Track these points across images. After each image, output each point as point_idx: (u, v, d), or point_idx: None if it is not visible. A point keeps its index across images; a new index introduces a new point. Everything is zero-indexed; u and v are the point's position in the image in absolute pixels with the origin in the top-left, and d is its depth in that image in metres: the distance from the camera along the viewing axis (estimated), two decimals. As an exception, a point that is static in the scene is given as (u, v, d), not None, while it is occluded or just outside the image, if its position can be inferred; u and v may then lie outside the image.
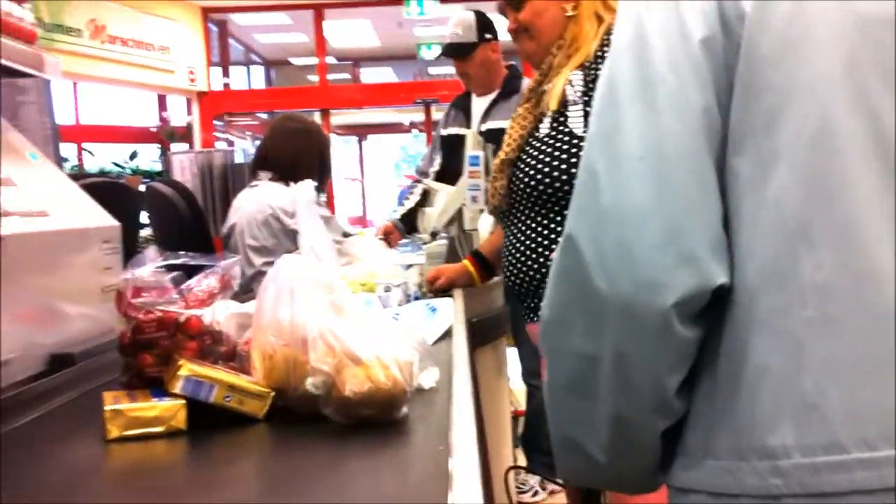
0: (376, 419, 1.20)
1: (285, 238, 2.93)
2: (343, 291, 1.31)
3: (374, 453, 1.14)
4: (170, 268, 1.35)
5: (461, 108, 3.95)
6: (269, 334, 1.24)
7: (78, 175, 3.45)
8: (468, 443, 1.05)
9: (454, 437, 1.08)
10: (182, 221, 3.17)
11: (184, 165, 4.51)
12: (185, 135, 11.36)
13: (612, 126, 0.93)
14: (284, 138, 3.24)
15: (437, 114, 15.57)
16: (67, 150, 10.96)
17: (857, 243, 0.85)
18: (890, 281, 0.84)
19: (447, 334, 1.88)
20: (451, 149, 3.69)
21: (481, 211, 2.95)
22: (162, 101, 12.02)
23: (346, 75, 16.56)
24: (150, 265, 1.34)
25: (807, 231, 0.86)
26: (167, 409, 1.19)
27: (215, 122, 12.00)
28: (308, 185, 1.38)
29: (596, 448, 0.99)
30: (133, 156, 11.18)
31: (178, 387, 1.20)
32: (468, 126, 3.76)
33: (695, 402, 0.95)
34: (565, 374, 0.99)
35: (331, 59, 14.11)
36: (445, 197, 3.26)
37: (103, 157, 11.26)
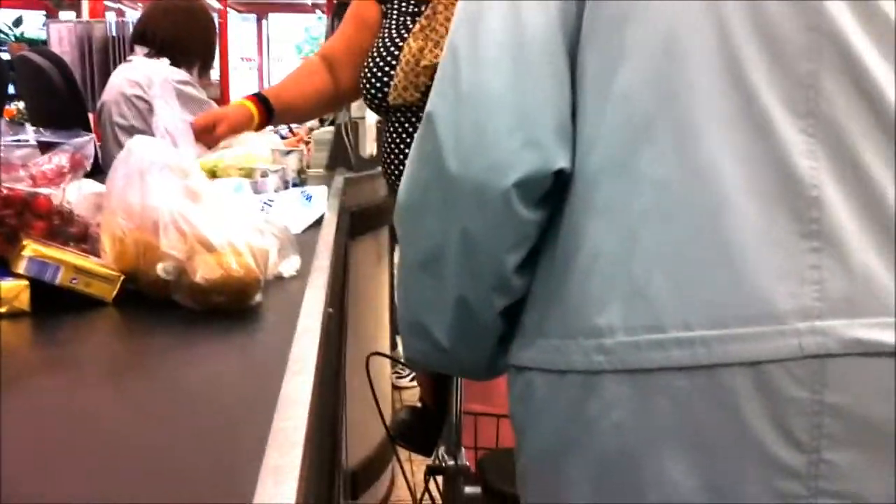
0: (228, 306, 1.20)
1: (152, 117, 2.83)
2: (198, 176, 1.28)
3: (221, 339, 1.14)
4: (19, 144, 1.30)
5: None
6: (118, 217, 1.21)
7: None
8: (312, 331, 1.06)
9: (300, 325, 1.09)
10: (57, 95, 3.03)
11: (62, 36, 4.27)
12: (73, 4, 10.75)
13: (476, 13, 0.96)
14: (165, 14, 3.09)
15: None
16: (-55, 11, 10.29)
17: (695, 142, 0.89)
18: (721, 179, 0.88)
19: (319, 224, 1.87)
20: None
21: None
22: (50, -36, 11.30)
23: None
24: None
25: (649, 126, 0.90)
26: (9, 290, 1.15)
27: (107, -9, 11.37)
28: (163, 63, 1.32)
29: (441, 331, 1.04)
30: (18, 22, 10.55)
31: (21, 267, 1.17)
32: None
33: (533, 285, 1.00)
34: (418, 254, 1.03)
35: (233, -69, 13.46)
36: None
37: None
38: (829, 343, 0.86)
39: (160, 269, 1.19)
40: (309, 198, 2.06)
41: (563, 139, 0.93)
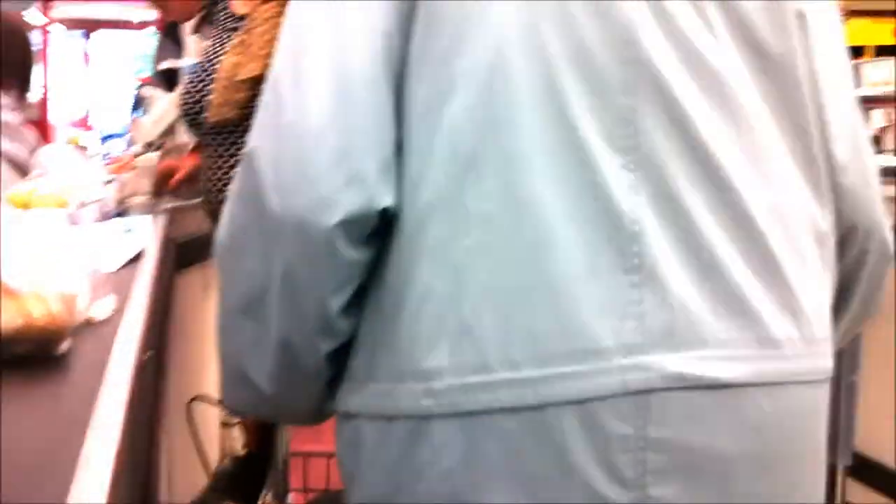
0: (32, 356, 1.10)
1: None
2: (5, 208, 1.18)
3: (19, 394, 1.04)
4: None
5: (171, 38, 3.68)
6: None
7: None
8: (121, 382, 0.99)
9: (109, 376, 1.02)
10: None
11: None
12: None
13: (299, 45, 0.93)
14: None
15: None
16: None
17: (519, 176, 0.88)
18: (545, 213, 0.87)
19: (139, 258, 1.78)
20: (171, 83, 3.43)
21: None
22: None
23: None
24: None
25: (475, 160, 0.88)
26: None
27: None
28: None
29: (263, 377, 1.00)
30: None
31: None
32: (180, 57, 3.52)
33: (361, 327, 0.97)
34: (237, 297, 0.99)
35: (57, -57, 12.86)
36: (162, 105, 3.08)
37: None
38: (651, 378, 0.86)
39: (-48, 316, 1.08)
40: (129, 231, 1.96)
41: (387, 176, 0.90)
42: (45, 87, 11.27)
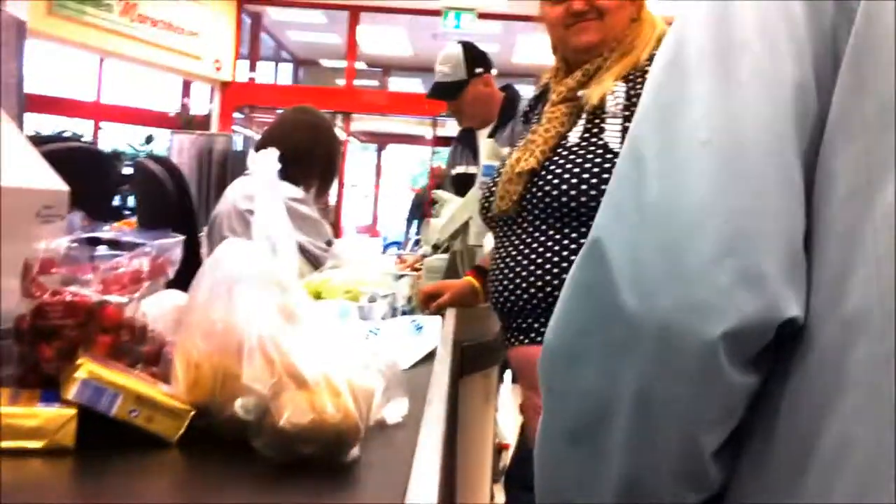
0: (318, 460, 0.94)
1: None
2: (298, 293, 1.05)
3: (305, 505, 0.88)
4: (94, 241, 1.11)
5: (466, 144, 3.71)
6: (196, 337, 0.99)
7: (44, 138, 3.22)
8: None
9: (410, 494, 0.83)
10: (168, 203, 2.91)
11: (183, 146, 4.26)
12: (202, 123, 11.18)
13: (672, 100, 0.71)
14: (292, 129, 2.99)
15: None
16: (84, 127, 10.80)
17: None
18: None
19: (429, 358, 1.63)
20: (463, 187, 3.43)
21: (491, 226, 2.71)
22: (186, 87, 11.85)
23: (375, 82, 16.40)
24: (71, 235, 1.09)
25: None
26: (52, 419, 0.93)
27: (235, 114, 11.84)
28: (267, 155, 1.13)
29: None
30: (149, 140, 11.02)
31: (72, 392, 0.94)
32: (476, 162, 3.52)
33: (739, 477, 0.72)
34: (569, 419, 0.76)
35: (360, 65, 13.92)
36: (453, 208, 3.01)
37: (120, 138, 11.09)
38: None
39: (239, 405, 0.95)
40: (420, 328, 1.83)
41: (794, 276, 0.66)
42: (340, 192, 12.05)
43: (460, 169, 3.68)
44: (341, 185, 12.32)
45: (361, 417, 0.96)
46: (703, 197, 0.66)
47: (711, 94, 0.69)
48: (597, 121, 1.87)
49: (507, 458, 3.66)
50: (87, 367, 0.95)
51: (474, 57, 3.58)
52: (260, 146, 3.05)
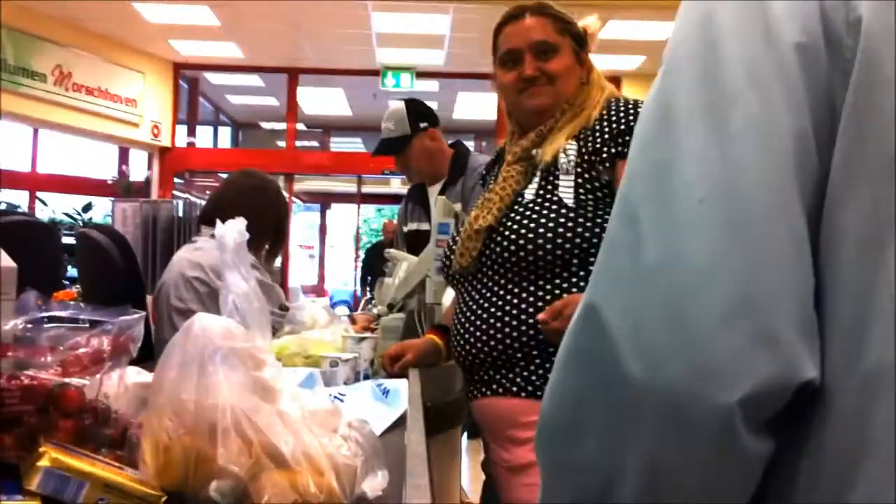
0: (300, 541, 0.90)
1: (213, 304, 2.60)
2: (274, 367, 1.01)
3: None
4: (51, 320, 1.05)
5: (417, 201, 3.72)
6: (166, 418, 0.94)
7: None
8: None
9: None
10: (115, 273, 2.83)
11: (126, 215, 4.18)
12: (141, 190, 11.03)
13: (663, 158, 0.67)
14: (238, 193, 2.93)
15: (405, 188, 15.45)
16: (20, 197, 10.58)
17: None
18: None
19: (399, 423, 1.58)
20: (416, 244, 3.42)
21: (446, 284, 2.68)
22: (123, 154, 11.70)
23: (315, 143, 16.40)
24: (26, 316, 1.03)
25: None
26: (14, 514, 0.87)
27: (176, 179, 11.70)
28: (235, 225, 1.09)
29: None
30: (87, 207, 10.81)
31: (35, 482, 0.89)
32: (428, 220, 3.51)
33: None
34: (570, 493, 0.71)
35: (300, 126, 13.92)
36: (407, 267, 2.98)
37: (57, 208, 10.87)
38: None
39: (214, 489, 0.90)
40: (386, 392, 1.79)
41: (808, 335, 0.63)
42: (285, 254, 11.96)
43: (412, 226, 3.66)
44: (287, 246, 12.22)
45: (345, 496, 0.92)
46: (707, 257, 0.63)
47: (705, 149, 0.66)
48: (550, 178, 1.92)
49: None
50: (49, 455, 0.90)
51: (418, 112, 3.60)
52: (206, 212, 3.00)
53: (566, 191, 1.90)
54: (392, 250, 3.40)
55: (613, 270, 0.68)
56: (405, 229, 3.73)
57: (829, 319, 0.64)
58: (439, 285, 2.70)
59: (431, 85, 12.06)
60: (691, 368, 0.61)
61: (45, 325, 1.04)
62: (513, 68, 2.04)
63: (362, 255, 13.49)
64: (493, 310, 1.92)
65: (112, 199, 8.65)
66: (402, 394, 1.78)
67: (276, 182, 3.08)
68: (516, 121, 2.13)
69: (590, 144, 1.90)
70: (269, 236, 2.93)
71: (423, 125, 3.56)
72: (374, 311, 3.41)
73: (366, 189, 16.32)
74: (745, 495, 0.66)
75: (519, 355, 1.86)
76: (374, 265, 8.73)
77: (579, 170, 1.89)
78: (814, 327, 0.64)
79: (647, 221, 0.66)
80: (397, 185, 15.20)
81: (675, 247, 0.64)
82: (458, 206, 3.39)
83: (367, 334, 2.37)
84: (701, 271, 0.63)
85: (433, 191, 3.60)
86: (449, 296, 2.67)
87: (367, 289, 8.86)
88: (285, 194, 11.92)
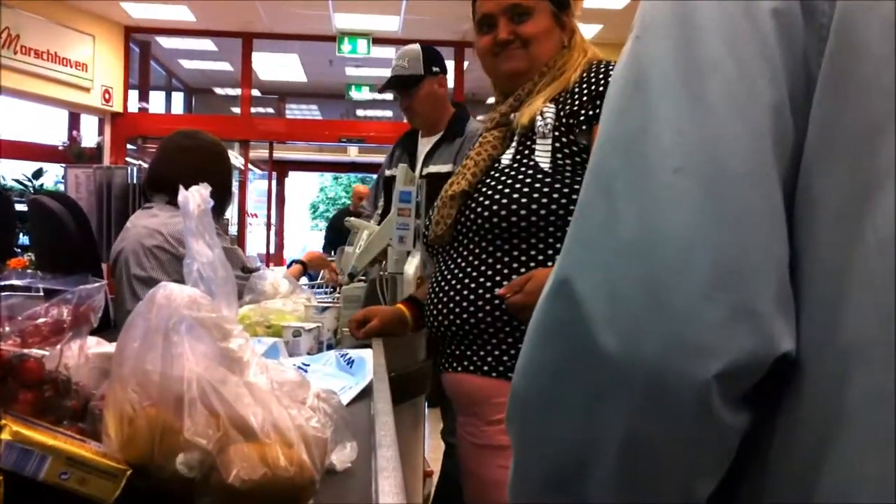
0: (270, 515, 0.88)
1: (175, 271, 2.55)
2: (241, 337, 0.98)
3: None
4: (7, 289, 1.01)
5: (405, 148, 3.73)
6: (129, 389, 0.91)
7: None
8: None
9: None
10: (69, 241, 2.78)
11: (80, 181, 4.08)
12: (93, 156, 10.81)
13: (636, 126, 0.65)
14: (178, 156, 2.86)
15: (363, 157, 15.40)
16: (-33, 164, 10.34)
17: None
18: None
19: (364, 393, 1.57)
20: (391, 191, 3.41)
21: (408, 253, 2.66)
22: (74, 119, 11.43)
23: (270, 109, 16.20)
24: (-18, 286, 1.00)
25: None
26: (-26, 489, 0.84)
27: (128, 145, 11.48)
28: (198, 191, 1.06)
29: None
30: (38, 174, 10.57)
31: (-6, 456, 0.86)
32: (413, 168, 3.51)
33: None
34: (546, 468, 0.70)
35: (255, 93, 13.72)
36: (368, 235, 2.96)
37: (7, 174, 10.61)
38: None
39: (181, 462, 0.88)
40: (350, 362, 1.77)
41: (785, 308, 0.62)
42: (242, 222, 11.84)
43: (391, 172, 3.66)
44: (243, 214, 12.08)
45: (316, 468, 0.90)
46: (684, 229, 0.61)
47: (681, 118, 0.64)
48: (528, 142, 1.89)
49: (430, 484, 3.60)
50: (10, 428, 0.86)
51: (432, 56, 3.64)
52: (149, 180, 2.94)
53: (543, 155, 1.86)
54: (352, 219, 3.36)
55: (586, 241, 0.67)
56: (386, 173, 3.74)
57: (805, 291, 0.63)
58: (401, 254, 2.69)
59: (388, 52, 11.96)
60: (669, 342, 0.60)
61: (2, 294, 1.00)
62: (488, 32, 2.01)
63: (324, 223, 13.37)
64: (466, 280, 1.88)
65: (64, 165, 8.46)
66: (367, 364, 1.76)
67: (213, 137, 3.01)
68: (496, 87, 2.10)
69: (567, 107, 1.87)
70: (215, 196, 2.88)
71: (434, 69, 3.59)
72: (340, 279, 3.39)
73: (323, 157, 16.20)
74: (721, 469, 0.66)
75: (491, 330, 1.83)
76: (337, 233, 8.55)
77: (557, 133, 1.86)
78: (790, 299, 0.63)
79: (621, 192, 0.65)
80: (354, 154, 15.11)
81: (651, 219, 0.63)
82: (448, 167, 3.41)
83: (328, 305, 2.35)
84: (679, 244, 0.61)
85: (424, 142, 3.63)
86: (412, 265, 2.66)
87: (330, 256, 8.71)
88: (240, 160, 11.71)
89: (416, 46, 3.65)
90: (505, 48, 1.99)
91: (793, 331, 0.63)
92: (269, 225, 13.62)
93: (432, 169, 3.47)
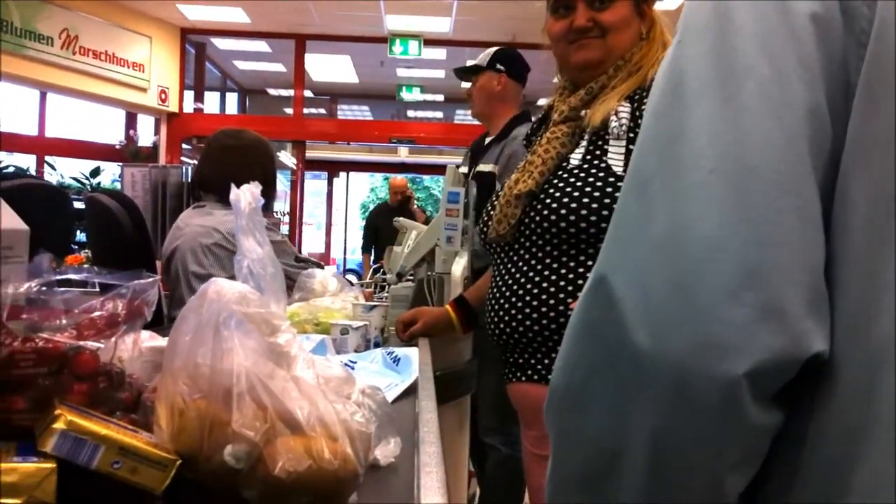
0: (314, 508, 0.90)
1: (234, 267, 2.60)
2: (288, 333, 1.00)
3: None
4: (66, 283, 1.04)
5: (472, 149, 3.80)
6: (180, 382, 0.93)
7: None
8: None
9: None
10: (124, 238, 2.84)
11: (135, 180, 4.18)
12: (150, 155, 11.01)
13: (673, 128, 0.67)
14: (222, 155, 2.92)
15: (413, 157, 15.47)
16: (28, 161, 10.58)
17: None
18: None
19: (409, 391, 1.58)
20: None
21: (456, 253, 2.68)
22: (131, 119, 11.66)
23: (322, 110, 16.34)
24: (40, 279, 1.03)
25: None
26: (30, 475, 0.87)
27: (183, 144, 11.67)
28: (250, 188, 1.08)
29: None
30: (95, 172, 10.79)
31: (50, 444, 0.88)
32: (474, 165, 3.61)
33: None
34: (579, 464, 0.72)
35: (308, 93, 13.85)
36: (417, 235, 2.98)
37: (65, 172, 10.85)
38: None
39: (228, 454, 0.90)
40: (397, 360, 1.79)
41: (817, 309, 0.63)
42: (294, 222, 11.97)
43: (463, 170, 3.71)
44: (294, 214, 12.20)
45: (360, 462, 0.92)
46: (715, 229, 0.62)
47: (716, 120, 0.65)
48: (599, 142, 1.78)
49: (475, 485, 3.61)
50: (65, 418, 0.89)
51: (504, 56, 3.68)
52: (196, 181, 3.00)
53: (616, 157, 1.74)
54: (401, 219, 3.39)
55: (622, 240, 0.68)
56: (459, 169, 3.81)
57: (839, 293, 0.64)
58: (448, 255, 2.70)
59: (439, 53, 11.99)
60: (697, 339, 0.61)
61: (58, 289, 1.03)
62: (564, 16, 1.86)
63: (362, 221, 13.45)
64: (529, 286, 1.79)
65: (120, 163, 8.62)
66: (413, 362, 1.78)
67: (256, 134, 3.05)
68: (563, 73, 1.96)
69: (644, 107, 1.68)
70: (262, 189, 2.92)
71: (499, 66, 3.64)
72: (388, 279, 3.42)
73: (373, 157, 16.29)
74: (751, 467, 0.66)
75: (556, 338, 1.73)
76: (379, 230, 8.37)
77: (632, 135, 1.72)
78: (824, 300, 0.63)
79: (656, 191, 0.66)
80: (405, 154, 15.17)
81: (683, 217, 0.64)
82: (490, 167, 3.44)
83: (375, 304, 2.37)
84: (708, 243, 0.62)
85: (487, 142, 3.67)
86: (459, 265, 2.67)
87: (372, 256, 8.51)
88: (290, 160, 11.77)
89: (495, 48, 3.75)
90: (581, 35, 1.85)
91: (826, 331, 0.63)
92: (329, 225, 13.69)
93: (480, 167, 3.50)
